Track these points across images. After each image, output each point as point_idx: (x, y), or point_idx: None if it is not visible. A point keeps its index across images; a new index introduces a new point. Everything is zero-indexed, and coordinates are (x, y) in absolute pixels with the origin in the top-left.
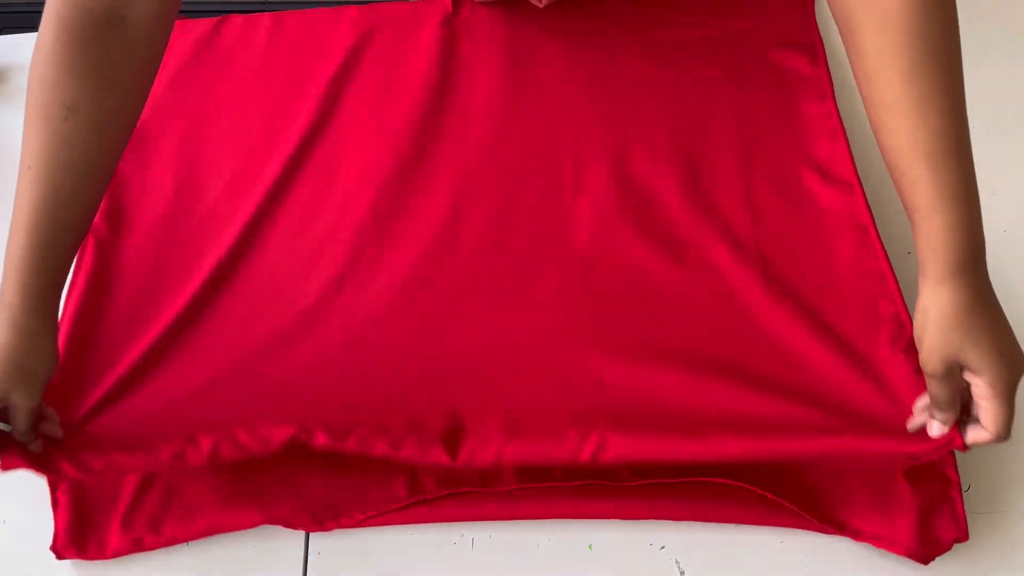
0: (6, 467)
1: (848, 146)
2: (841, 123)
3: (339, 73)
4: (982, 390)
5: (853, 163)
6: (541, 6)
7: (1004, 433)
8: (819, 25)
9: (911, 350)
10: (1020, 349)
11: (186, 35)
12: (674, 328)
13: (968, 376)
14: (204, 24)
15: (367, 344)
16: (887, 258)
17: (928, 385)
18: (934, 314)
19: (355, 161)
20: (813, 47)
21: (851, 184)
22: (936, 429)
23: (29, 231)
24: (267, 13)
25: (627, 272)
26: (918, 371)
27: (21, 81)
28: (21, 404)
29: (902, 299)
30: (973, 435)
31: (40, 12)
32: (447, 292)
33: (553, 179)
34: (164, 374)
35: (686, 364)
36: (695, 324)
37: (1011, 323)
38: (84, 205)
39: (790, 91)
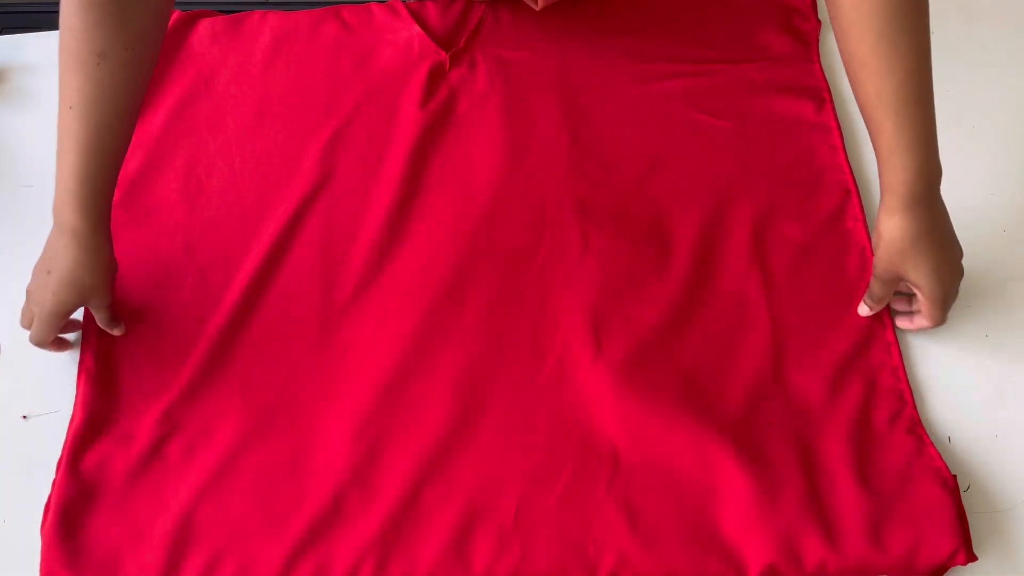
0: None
1: (860, 200)
2: (851, 173)
3: (332, 139)
4: (920, 297)
5: (864, 220)
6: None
7: (938, 323)
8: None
9: (912, 431)
10: (956, 264)
11: (184, 73)
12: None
13: (910, 286)
14: (197, 63)
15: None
16: (894, 327)
17: (871, 282)
18: (885, 239)
19: (348, 229)
20: (820, 93)
21: (863, 247)
22: (864, 310)
23: (80, 165)
24: (262, 57)
25: (640, 337)
26: (917, 453)
27: (21, 81)
28: (101, 303)
29: (905, 374)
30: (917, 322)
31: (40, 12)
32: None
33: (558, 241)
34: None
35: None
36: (707, 381)
37: (1012, 324)
38: (120, 140)
39: (798, 141)
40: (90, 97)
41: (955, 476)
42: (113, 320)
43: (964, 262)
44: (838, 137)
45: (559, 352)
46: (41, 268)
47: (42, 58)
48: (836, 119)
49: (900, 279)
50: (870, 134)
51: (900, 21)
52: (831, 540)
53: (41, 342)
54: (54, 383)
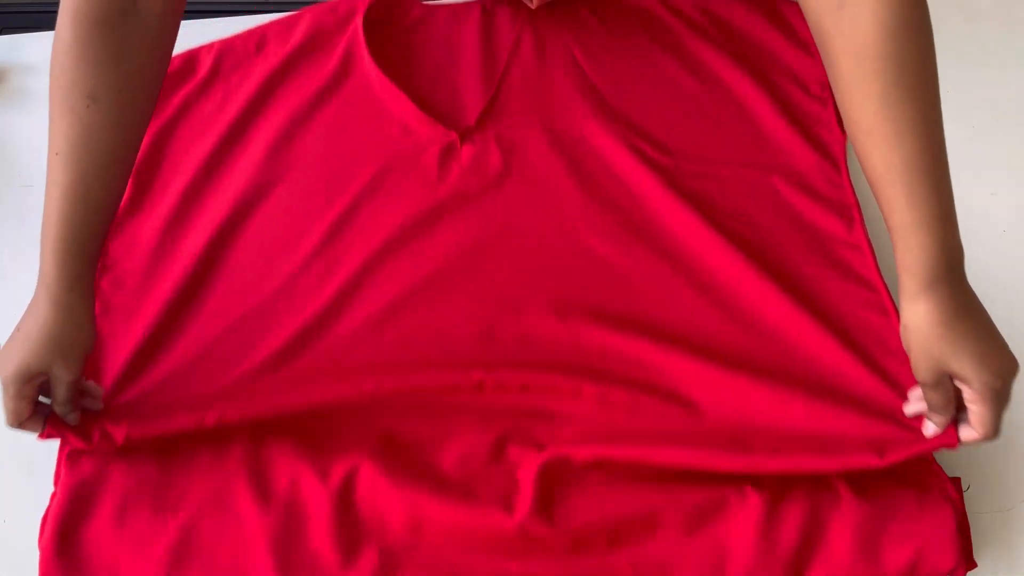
0: (44, 437)
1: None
2: (890, 297)
3: (337, 223)
4: (970, 395)
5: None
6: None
7: (991, 434)
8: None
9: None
10: (1006, 352)
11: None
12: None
13: (957, 383)
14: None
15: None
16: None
17: (923, 392)
18: (914, 330)
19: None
20: (849, 211)
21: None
22: (931, 430)
23: (62, 214)
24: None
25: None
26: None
27: (21, 81)
28: (62, 376)
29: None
30: (964, 434)
31: (40, 12)
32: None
33: (570, 346)
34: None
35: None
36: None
37: (1012, 324)
38: (112, 186)
39: (825, 257)
40: (77, 142)
41: (960, 492)
42: (70, 402)
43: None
44: (870, 256)
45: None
46: (14, 328)
47: (42, 58)
48: (867, 238)
49: (946, 374)
50: (881, 209)
51: (906, 82)
52: (829, 554)
53: (13, 419)
54: None
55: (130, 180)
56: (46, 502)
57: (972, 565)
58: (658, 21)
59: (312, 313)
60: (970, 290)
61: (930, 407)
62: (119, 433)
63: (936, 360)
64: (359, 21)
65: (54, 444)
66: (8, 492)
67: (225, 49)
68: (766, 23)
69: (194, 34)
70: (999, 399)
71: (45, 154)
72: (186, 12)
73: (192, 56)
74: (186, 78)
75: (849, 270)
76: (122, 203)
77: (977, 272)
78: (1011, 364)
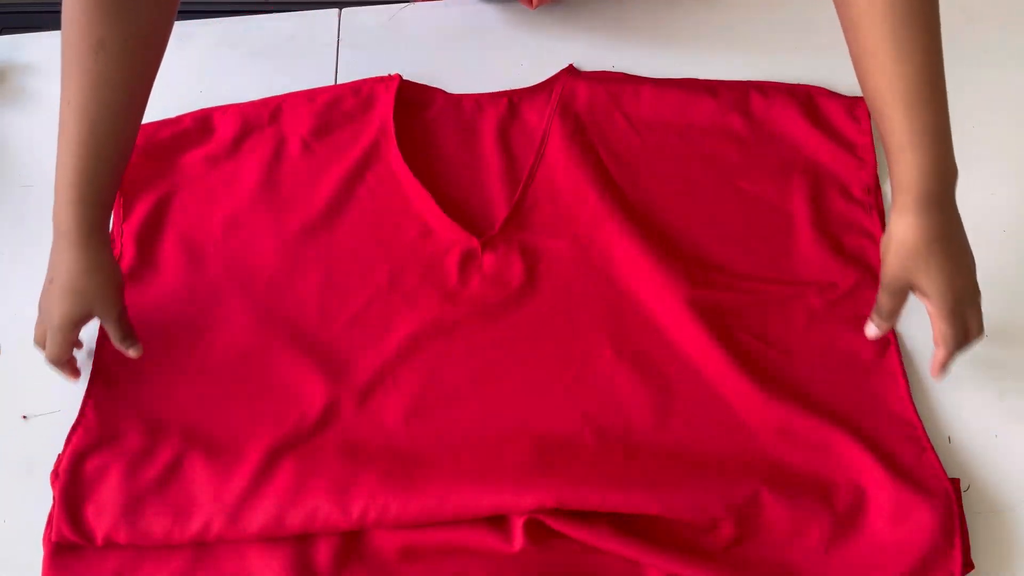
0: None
1: (935, 456)
2: (923, 430)
3: (349, 324)
4: (931, 310)
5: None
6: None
7: (951, 347)
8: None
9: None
10: (972, 279)
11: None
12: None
13: (920, 297)
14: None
15: None
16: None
17: (879, 294)
18: (895, 240)
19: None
20: (884, 336)
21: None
22: (872, 331)
23: (73, 160)
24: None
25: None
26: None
27: (21, 81)
28: (109, 314)
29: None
30: (934, 358)
31: (40, 12)
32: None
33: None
34: None
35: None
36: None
37: (1012, 324)
38: (119, 139)
39: (858, 385)
40: (88, 91)
41: (959, 492)
42: (127, 336)
43: None
44: (905, 387)
45: None
46: (47, 279)
47: (42, 58)
48: (902, 365)
49: (910, 288)
50: (880, 131)
51: (914, 18)
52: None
53: (56, 359)
54: (54, 383)
55: (131, 244)
56: (46, 502)
57: (971, 566)
58: (691, 127)
59: (314, 418)
60: (956, 214)
61: (878, 309)
62: (100, 532)
63: (906, 271)
64: (389, 110)
65: (55, 444)
66: (8, 492)
67: (239, 115)
68: (807, 123)
69: (194, 34)
70: (955, 318)
71: (45, 154)
72: (186, 12)
73: (206, 117)
74: (197, 142)
75: (882, 401)
76: (124, 266)
77: (977, 272)
78: (973, 289)
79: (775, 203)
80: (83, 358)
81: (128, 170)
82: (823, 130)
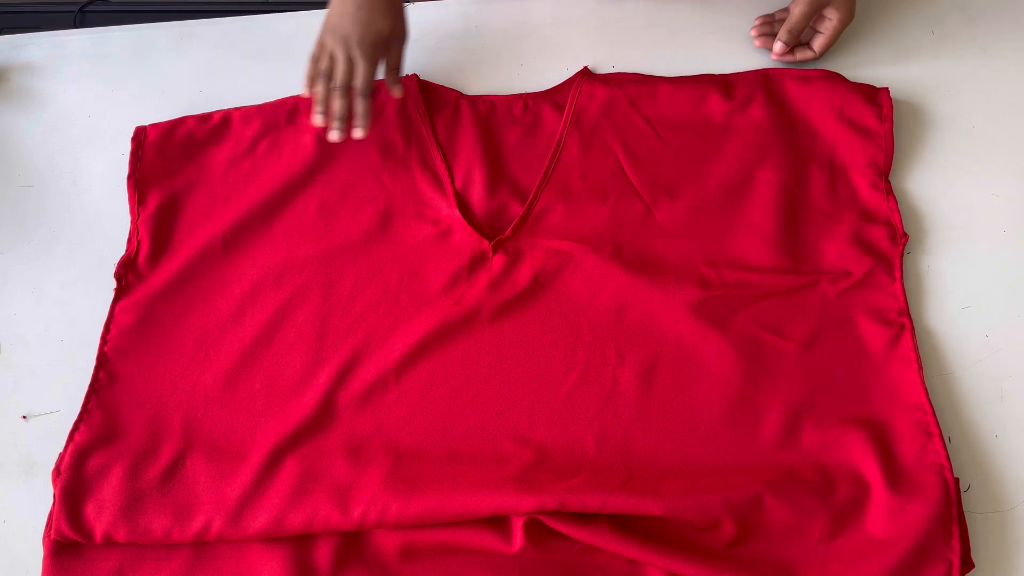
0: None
1: (943, 442)
2: (934, 415)
3: (355, 321)
4: (829, 22)
5: (948, 464)
6: None
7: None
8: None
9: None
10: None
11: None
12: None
13: (825, 14)
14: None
15: None
16: None
17: (794, 11)
18: None
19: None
20: (900, 318)
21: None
22: (779, 47)
23: None
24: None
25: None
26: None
27: (21, 81)
28: (401, 36)
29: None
30: (802, 54)
31: (40, 12)
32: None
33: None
34: None
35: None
36: None
37: (1012, 324)
38: None
39: (873, 373)
40: None
41: (959, 492)
42: (398, 70)
43: (963, 262)
44: (918, 372)
45: None
46: (335, 11)
47: (42, 58)
48: (916, 351)
49: (822, 6)
50: None
51: None
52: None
53: (367, 80)
54: (54, 383)
55: (146, 237)
56: (46, 502)
57: (971, 565)
58: (708, 122)
59: (316, 419)
60: None
61: (789, 23)
62: (99, 530)
63: None
64: (406, 110)
65: (55, 444)
66: (8, 492)
67: (256, 115)
68: (825, 110)
69: (194, 34)
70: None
71: (45, 154)
72: (186, 12)
73: (224, 117)
74: (215, 141)
75: (896, 386)
76: (140, 257)
77: (978, 272)
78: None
79: (793, 192)
80: (82, 358)
81: (144, 167)
82: (840, 117)
